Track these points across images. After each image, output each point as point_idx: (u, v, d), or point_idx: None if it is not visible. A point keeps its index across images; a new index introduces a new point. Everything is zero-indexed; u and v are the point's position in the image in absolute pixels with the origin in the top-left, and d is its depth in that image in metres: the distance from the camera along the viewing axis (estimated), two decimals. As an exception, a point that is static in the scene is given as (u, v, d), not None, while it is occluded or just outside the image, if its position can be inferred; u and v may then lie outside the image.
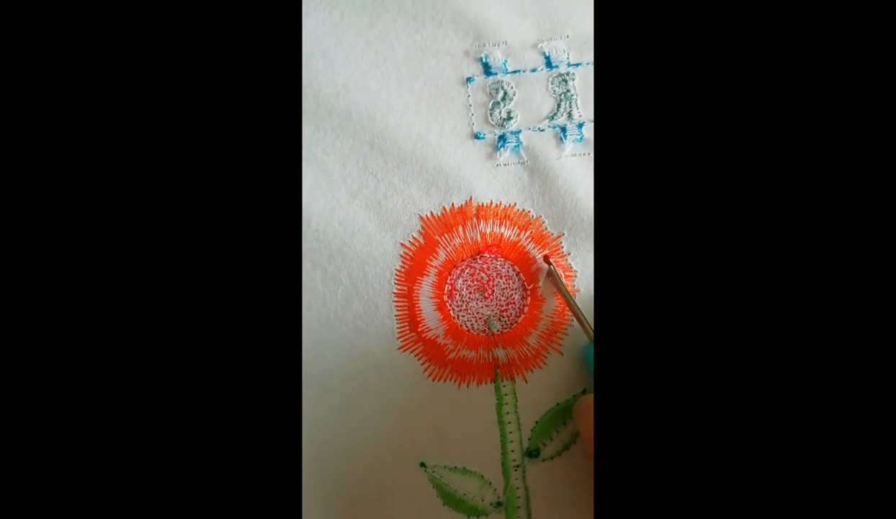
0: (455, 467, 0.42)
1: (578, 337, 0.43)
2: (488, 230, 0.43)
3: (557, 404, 0.43)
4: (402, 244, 0.43)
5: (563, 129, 0.43)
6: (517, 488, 0.42)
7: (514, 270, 0.43)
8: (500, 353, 0.43)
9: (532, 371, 0.43)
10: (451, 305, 0.43)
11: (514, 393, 0.43)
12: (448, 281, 0.43)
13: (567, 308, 0.42)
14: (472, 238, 0.43)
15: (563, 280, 0.42)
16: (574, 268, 0.43)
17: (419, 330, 0.43)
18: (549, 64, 0.42)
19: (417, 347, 0.43)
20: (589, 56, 0.42)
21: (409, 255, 0.43)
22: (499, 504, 0.42)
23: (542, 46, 0.42)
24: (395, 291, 0.43)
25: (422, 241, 0.43)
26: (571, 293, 0.42)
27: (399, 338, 0.43)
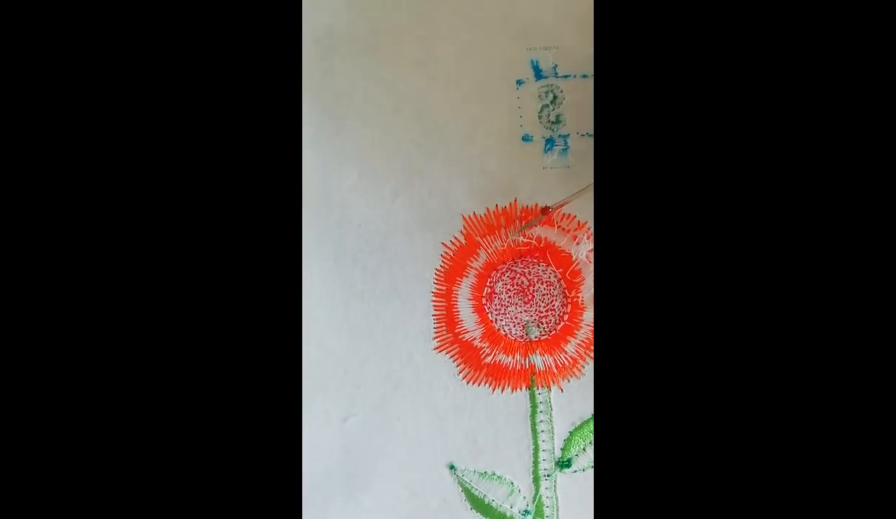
0: (484, 472, 0.42)
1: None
2: (532, 233, 0.42)
3: (593, 416, 0.42)
4: (443, 244, 0.43)
5: (613, 136, 0.42)
6: (547, 498, 0.42)
7: (555, 275, 0.42)
8: (537, 359, 0.42)
9: (568, 380, 0.42)
10: (489, 308, 0.43)
11: (550, 401, 0.42)
12: (488, 283, 0.43)
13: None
14: (514, 241, 0.42)
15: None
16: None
17: (456, 331, 0.42)
18: (600, 68, 0.42)
19: (453, 349, 0.42)
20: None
21: (450, 256, 0.43)
22: (527, 513, 0.42)
23: (593, 52, 0.42)
24: (434, 290, 0.43)
25: (463, 242, 0.43)
26: None
27: (435, 338, 0.42)
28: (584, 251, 0.42)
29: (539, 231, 0.42)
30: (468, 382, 0.42)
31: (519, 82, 0.42)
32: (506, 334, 0.43)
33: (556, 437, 0.42)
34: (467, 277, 0.43)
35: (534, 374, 0.42)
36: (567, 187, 0.42)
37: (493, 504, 0.42)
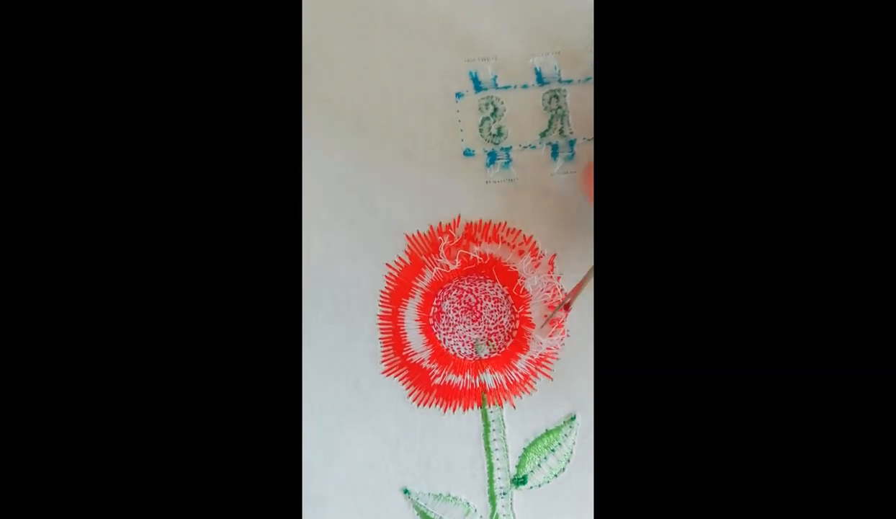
0: (440, 494, 0.41)
1: (567, 362, 0.41)
2: (477, 250, 0.41)
3: (547, 431, 0.41)
4: (386, 265, 0.41)
5: (555, 147, 0.41)
6: (504, 516, 0.41)
7: (502, 292, 0.42)
8: (487, 378, 0.42)
9: (520, 397, 0.41)
10: (437, 328, 0.42)
11: (502, 419, 0.41)
12: (434, 303, 0.42)
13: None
14: (458, 258, 0.41)
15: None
16: (566, 290, 0.41)
17: (404, 353, 0.41)
18: (540, 80, 0.41)
19: (402, 372, 0.41)
20: (580, 72, 0.40)
21: (394, 276, 0.41)
22: (484, 533, 0.41)
23: (532, 62, 0.40)
24: (380, 313, 0.41)
25: (408, 262, 0.41)
26: (559, 315, 0.41)
27: (383, 361, 0.41)
28: (530, 266, 0.41)
29: (485, 247, 0.41)
30: (419, 405, 0.41)
31: (458, 95, 0.41)
32: (455, 354, 0.42)
33: (510, 454, 0.41)
34: (413, 297, 0.42)
35: (485, 392, 0.41)
36: (509, 202, 0.41)
37: (450, 526, 0.41)
